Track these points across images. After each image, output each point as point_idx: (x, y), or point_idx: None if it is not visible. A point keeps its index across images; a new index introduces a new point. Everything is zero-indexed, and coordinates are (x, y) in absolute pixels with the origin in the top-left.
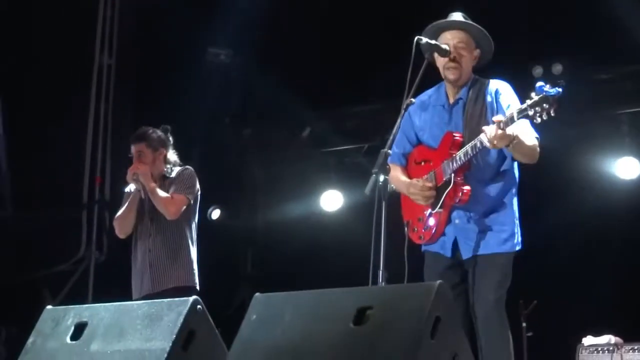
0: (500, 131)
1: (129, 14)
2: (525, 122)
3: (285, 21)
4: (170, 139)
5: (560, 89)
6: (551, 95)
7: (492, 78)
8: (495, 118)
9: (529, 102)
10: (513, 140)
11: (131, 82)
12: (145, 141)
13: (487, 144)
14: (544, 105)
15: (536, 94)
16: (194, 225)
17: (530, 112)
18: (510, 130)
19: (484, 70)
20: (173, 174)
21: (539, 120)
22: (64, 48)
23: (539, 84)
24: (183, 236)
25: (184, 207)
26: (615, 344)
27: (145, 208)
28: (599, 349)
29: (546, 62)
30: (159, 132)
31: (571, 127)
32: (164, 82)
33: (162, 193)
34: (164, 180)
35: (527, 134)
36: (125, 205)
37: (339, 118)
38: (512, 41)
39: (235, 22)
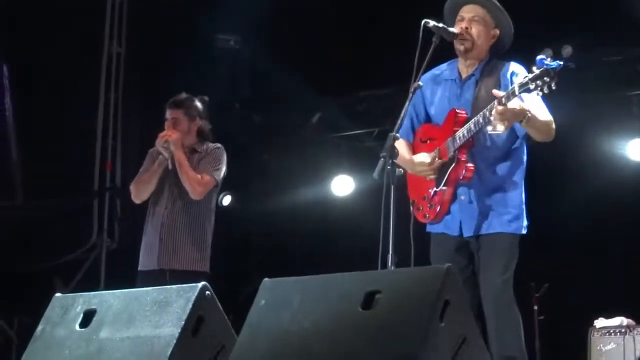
0: (500, 107)
1: (138, 2)
2: (537, 98)
3: (294, 6)
4: (207, 112)
5: (561, 62)
6: (552, 68)
7: (510, 61)
8: (495, 92)
9: (529, 75)
10: (526, 114)
11: (140, 70)
12: (183, 108)
13: (494, 127)
14: (545, 78)
15: (537, 68)
16: (214, 208)
17: (532, 86)
18: (516, 104)
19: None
20: (203, 150)
21: (540, 93)
22: (73, 36)
23: (540, 57)
24: (203, 217)
25: (211, 187)
26: (628, 326)
27: (169, 178)
28: (611, 331)
29: (555, 44)
30: (198, 102)
31: (582, 109)
32: (173, 69)
33: (190, 169)
34: (192, 154)
35: (540, 108)
36: (148, 170)
37: (349, 103)
38: (521, 23)
39: (244, 8)
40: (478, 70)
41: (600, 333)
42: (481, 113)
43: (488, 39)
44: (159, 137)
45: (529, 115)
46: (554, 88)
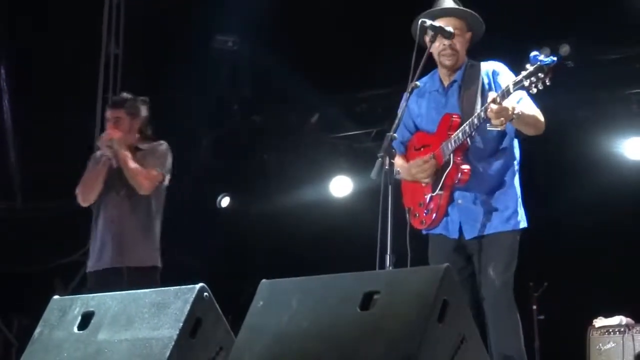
0: (495, 106)
1: (136, 3)
2: (522, 93)
3: (292, 6)
4: (147, 111)
5: (554, 58)
6: (546, 64)
7: (490, 60)
8: (490, 94)
9: (524, 73)
10: (515, 111)
11: (139, 72)
12: (124, 107)
13: (492, 125)
14: (539, 74)
15: (531, 64)
16: (162, 204)
17: (526, 83)
18: (508, 103)
19: (479, 52)
20: (145, 147)
21: (534, 90)
22: (71, 37)
23: (533, 53)
24: (150, 213)
25: (158, 182)
26: (627, 325)
27: (115, 177)
28: (610, 330)
29: (553, 43)
30: (138, 101)
31: (580, 107)
32: (172, 70)
33: (135, 165)
34: (135, 152)
35: (526, 103)
36: (92, 170)
37: (347, 103)
38: (519, 23)
39: (242, 9)
40: (459, 75)
41: (599, 332)
42: (475, 114)
43: (466, 46)
44: (101, 137)
45: (517, 111)
46: (548, 84)
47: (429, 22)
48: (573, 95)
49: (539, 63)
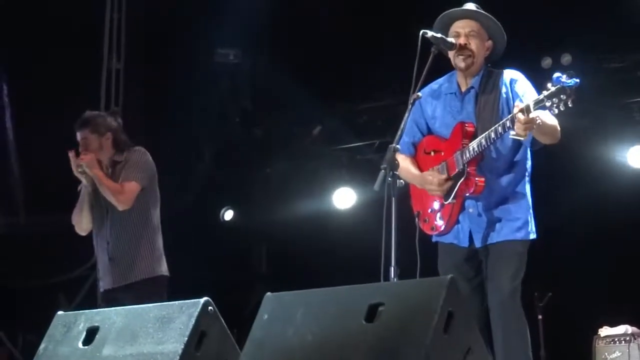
0: (523, 116)
1: (136, 17)
2: None
3: (292, 19)
4: (120, 121)
5: (577, 80)
6: (569, 86)
7: (505, 69)
8: (517, 105)
9: (545, 93)
10: (536, 122)
11: (140, 85)
12: (89, 127)
13: (516, 134)
14: (562, 96)
15: (553, 85)
16: (155, 211)
17: (548, 103)
18: (533, 113)
19: (497, 63)
20: (123, 159)
21: (556, 111)
22: (73, 52)
23: (556, 75)
24: (143, 224)
25: (136, 193)
26: (632, 334)
27: (100, 199)
28: (616, 339)
29: (555, 52)
30: (106, 116)
31: (583, 116)
32: (173, 84)
33: (109, 182)
34: (114, 167)
35: (545, 112)
36: (77, 207)
37: (349, 115)
38: (521, 32)
39: (242, 22)
40: (477, 82)
41: (605, 341)
42: (493, 128)
43: (484, 51)
44: (72, 166)
45: (539, 122)
46: (570, 106)
47: (430, 33)
48: (575, 103)
49: (561, 84)
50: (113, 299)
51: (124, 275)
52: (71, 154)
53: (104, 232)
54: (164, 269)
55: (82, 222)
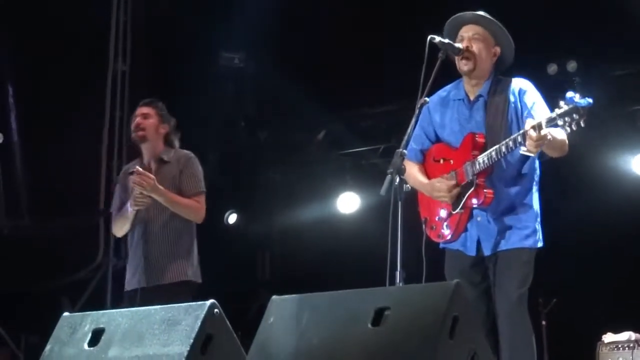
0: (535, 134)
1: (142, 20)
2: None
3: (297, 24)
4: (176, 124)
5: (590, 100)
6: (582, 106)
7: (514, 77)
8: (529, 123)
9: (558, 111)
10: (547, 139)
11: (145, 88)
12: (157, 107)
13: (527, 150)
14: (574, 115)
15: (566, 104)
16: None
17: (560, 122)
18: (544, 130)
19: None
20: (172, 159)
21: (568, 130)
22: (79, 55)
23: (569, 94)
24: (185, 229)
25: (204, 203)
26: (636, 341)
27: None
28: (619, 345)
29: (561, 59)
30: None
31: (587, 124)
32: (179, 87)
33: (184, 201)
34: (161, 165)
35: (556, 129)
36: (121, 217)
37: (354, 120)
38: (527, 39)
39: (248, 26)
40: (485, 90)
41: (608, 348)
42: (504, 142)
43: (490, 57)
44: (132, 195)
45: (550, 137)
46: (582, 126)
47: (437, 38)
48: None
49: (574, 104)
50: (141, 298)
51: (157, 275)
52: (133, 181)
53: (142, 229)
54: (197, 275)
55: (124, 229)
